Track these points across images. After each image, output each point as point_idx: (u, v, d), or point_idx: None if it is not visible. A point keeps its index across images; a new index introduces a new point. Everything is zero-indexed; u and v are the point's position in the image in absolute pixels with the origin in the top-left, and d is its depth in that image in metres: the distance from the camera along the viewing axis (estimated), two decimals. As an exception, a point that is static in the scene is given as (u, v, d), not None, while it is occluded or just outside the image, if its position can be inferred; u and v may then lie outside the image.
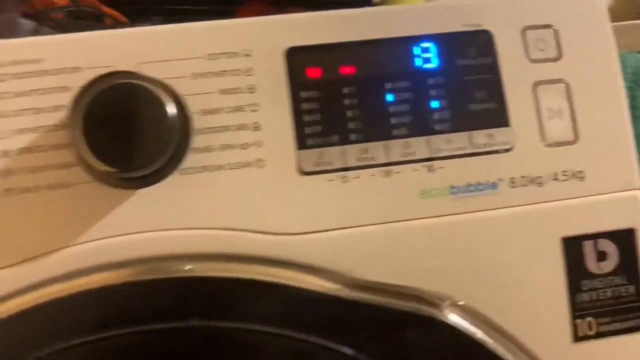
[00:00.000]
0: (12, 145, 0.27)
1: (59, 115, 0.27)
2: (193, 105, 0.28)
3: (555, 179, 0.29)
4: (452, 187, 0.29)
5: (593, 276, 0.29)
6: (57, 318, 0.25)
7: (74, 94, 0.27)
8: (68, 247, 0.27)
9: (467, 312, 0.28)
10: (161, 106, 0.26)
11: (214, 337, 0.25)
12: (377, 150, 0.28)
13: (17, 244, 0.27)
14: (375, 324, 0.27)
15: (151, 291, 0.26)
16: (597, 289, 0.29)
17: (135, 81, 0.26)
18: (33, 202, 0.27)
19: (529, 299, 0.29)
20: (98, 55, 0.28)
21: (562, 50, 0.31)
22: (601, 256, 0.29)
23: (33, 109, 0.27)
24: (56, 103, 0.27)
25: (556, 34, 0.31)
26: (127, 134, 0.26)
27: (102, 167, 0.26)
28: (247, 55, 0.28)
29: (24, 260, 0.27)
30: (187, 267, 0.26)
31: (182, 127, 0.27)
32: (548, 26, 0.31)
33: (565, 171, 0.30)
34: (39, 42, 0.28)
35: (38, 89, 0.28)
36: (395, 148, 0.29)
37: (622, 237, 0.30)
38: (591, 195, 0.30)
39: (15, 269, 0.26)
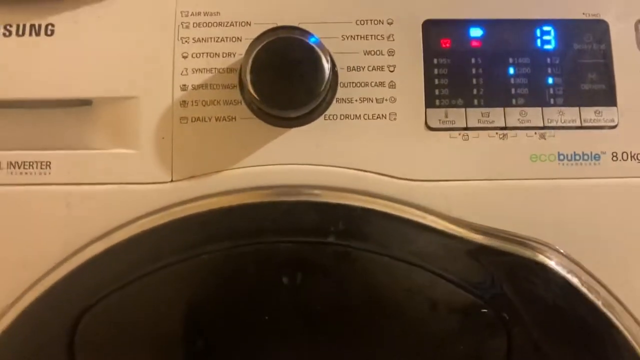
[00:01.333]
0: (190, 81, 0.33)
1: (231, 60, 0.34)
2: (340, 62, 0.34)
3: (656, 156, 0.34)
4: (560, 154, 0.33)
5: (682, 247, 0.33)
6: (218, 225, 0.32)
7: (246, 43, 0.32)
8: (228, 169, 0.33)
9: (567, 260, 0.32)
10: (318, 58, 0.32)
11: (345, 254, 0.31)
12: (496, 114, 0.33)
13: (186, 163, 0.33)
14: (483, 265, 0.32)
15: (294, 211, 0.32)
16: (685, 258, 0.33)
17: (298, 36, 0.32)
18: (203, 129, 0.33)
19: (626, 261, 0.33)
20: (266, 13, 0.34)
21: (673, 39, 0.35)
22: None
23: (210, 53, 0.34)
24: (229, 50, 0.34)
25: None
26: (286, 80, 0.32)
27: (264, 106, 0.32)
28: (390, 24, 0.34)
29: (190, 177, 0.33)
30: (324, 195, 0.32)
31: (331, 79, 0.33)
32: None
33: (666, 149, 0.34)
34: None
35: (215, 37, 0.34)
36: (513, 115, 0.33)
37: None
38: (687, 174, 0.34)
39: (185, 183, 0.33)
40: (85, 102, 0.33)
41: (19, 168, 0.33)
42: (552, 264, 0.31)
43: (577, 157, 0.33)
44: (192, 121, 0.33)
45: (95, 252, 0.31)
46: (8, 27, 0.34)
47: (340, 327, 0.31)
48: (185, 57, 0.33)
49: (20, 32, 0.34)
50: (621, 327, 0.31)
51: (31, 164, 0.33)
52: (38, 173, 0.33)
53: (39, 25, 0.34)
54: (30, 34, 0.34)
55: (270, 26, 0.33)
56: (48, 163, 0.33)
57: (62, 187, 0.33)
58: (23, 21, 0.34)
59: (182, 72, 0.33)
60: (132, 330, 0.31)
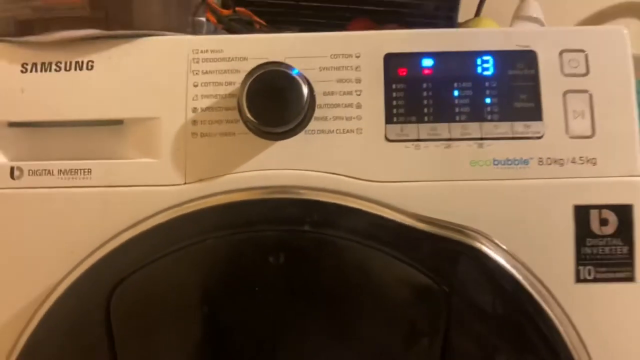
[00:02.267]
0: (199, 104, 0.43)
1: (231, 88, 0.43)
2: (317, 88, 0.43)
3: (574, 162, 0.42)
4: (495, 160, 0.42)
5: (596, 236, 0.42)
6: (220, 217, 0.41)
7: (243, 75, 0.42)
8: (229, 174, 0.43)
9: (499, 248, 0.41)
10: (299, 86, 0.41)
11: (318, 239, 0.40)
12: (443, 129, 0.43)
13: (196, 169, 0.43)
14: (429, 248, 0.41)
15: (279, 206, 0.41)
16: (598, 245, 0.42)
17: (283, 69, 0.42)
18: (209, 143, 0.43)
19: (546, 246, 0.41)
20: (259, 50, 0.43)
21: (590, 68, 0.43)
22: (604, 222, 0.42)
23: (215, 82, 0.44)
24: (230, 80, 0.43)
25: (586, 56, 0.43)
26: (274, 103, 0.41)
27: (257, 124, 0.42)
28: (357, 57, 0.43)
29: (200, 180, 0.43)
30: (304, 193, 0.41)
31: (310, 102, 0.42)
32: (581, 50, 0.44)
33: (582, 157, 0.42)
34: (219, 39, 0.44)
35: (219, 70, 0.44)
36: (456, 129, 0.43)
37: (621, 210, 0.42)
38: (600, 177, 0.42)
39: (195, 185, 0.43)
40: (118, 122, 0.44)
41: (67, 174, 0.43)
42: (484, 248, 0.40)
43: (509, 162, 0.42)
44: (201, 136, 0.43)
45: (125, 239, 0.41)
46: (58, 64, 0.44)
47: (315, 297, 0.40)
48: (195, 86, 0.43)
49: (68, 68, 0.44)
50: (537, 298, 0.40)
51: (76, 171, 0.43)
52: (81, 178, 0.43)
53: (82, 62, 0.44)
54: (75, 69, 0.44)
55: (262, 61, 0.42)
56: (89, 170, 0.43)
57: (100, 189, 0.43)
58: (69, 59, 0.44)
59: (194, 97, 0.43)
60: (153, 299, 0.41)
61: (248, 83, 0.40)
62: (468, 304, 0.39)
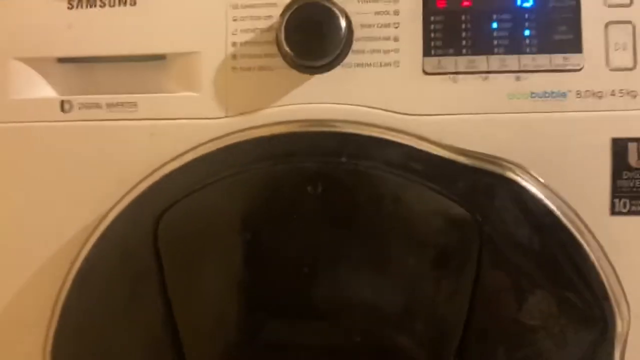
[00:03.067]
0: (239, 39, 0.45)
1: (269, 22, 0.44)
2: (355, 21, 0.44)
3: (613, 95, 0.42)
4: (533, 92, 0.43)
5: (632, 169, 0.42)
6: (261, 148, 0.43)
7: (281, 8, 0.43)
8: (268, 108, 0.44)
9: (535, 179, 0.42)
10: (337, 19, 0.42)
11: (355, 170, 0.42)
12: (480, 61, 0.43)
13: (237, 103, 0.45)
14: (465, 179, 0.42)
15: (316, 138, 0.43)
16: (634, 178, 0.43)
17: (321, 1, 0.43)
18: (249, 77, 0.45)
19: (583, 179, 0.42)
20: None
21: (634, -1, 0.43)
22: None
23: (253, 16, 0.45)
24: (268, 14, 0.44)
25: None
26: (312, 37, 0.43)
27: (295, 58, 0.43)
28: None
29: (240, 113, 0.45)
30: (341, 126, 0.43)
31: (348, 35, 0.43)
32: None
33: (622, 89, 0.42)
34: None
35: (257, 4, 0.45)
36: (494, 61, 0.43)
37: (660, 143, 0.42)
38: (639, 110, 0.43)
39: (236, 118, 0.45)
40: (161, 57, 0.46)
41: (114, 107, 0.46)
42: (520, 179, 0.42)
43: (547, 95, 0.43)
44: (241, 70, 0.44)
45: (170, 169, 0.44)
46: (102, 0, 0.46)
47: (351, 226, 0.42)
48: (235, 20, 0.45)
49: (112, 4, 0.46)
50: (573, 230, 0.41)
51: (123, 104, 0.45)
52: (128, 111, 0.45)
53: (125, -2, 0.46)
54: (119, 5, 0.46)
55: (301, -6, 0.43)
56: (135, 103, 0.45)
57: (146, 122, 0.45)
58: (113, -5, 0.46)
59: (233, 32, 0.45)
60: (198, 226, 0.44)
61: (286, 16, 0.41)
62: (502, 235, 0.40)
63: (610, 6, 0.42)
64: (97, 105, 0.45)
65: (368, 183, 0.41)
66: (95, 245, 0.45)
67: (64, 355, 0.45)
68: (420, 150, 0.41)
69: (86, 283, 0.45)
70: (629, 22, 0.42)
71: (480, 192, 0.41)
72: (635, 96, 0.41)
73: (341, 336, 0.42)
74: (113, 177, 0.44)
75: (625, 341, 0.41)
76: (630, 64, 0.41)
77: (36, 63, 0.46)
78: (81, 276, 0.45)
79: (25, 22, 0.45)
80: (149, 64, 0.45)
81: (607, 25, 0.42)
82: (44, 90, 0.46)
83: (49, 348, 0.45)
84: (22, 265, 0.45)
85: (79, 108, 0.45)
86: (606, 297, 0.40)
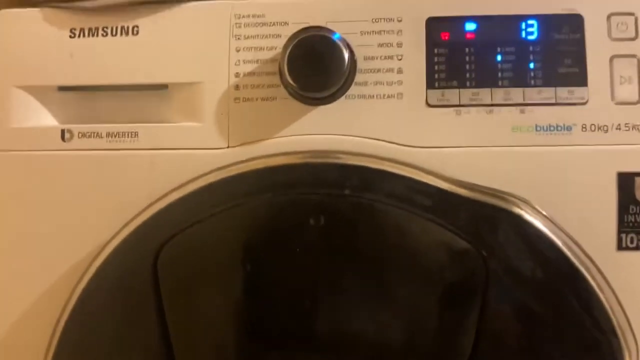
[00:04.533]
0: (242, 69, 0.46)
1: (272, 53, 0.45)
2: (358, 52, 0.45)
3: (618, 129, 0.43)
4: (537, 126, 0.44)
5: (639, 204, 0.43)
6: (263, 179, 0.44)
7: (284, 39, 0.44)
8: (270, 138, 0.45)
9: (539, 213, 0.43)
10: (340, 51, 0.43)
11: (358, 203, 0.43)
12: (484, 94, 0.44)
13: (239, 133, 0.45)
14: (469, 213, 0.43)
15: (319, 170, 0.44)
16: (641, 213, 0.43)
17: (325, 33, 0.44)
18: (251, 107, 0.45)
19: (588, 213, 0.43)
20: (300, 15, 0.45)
21: (639, 32, 0.44)
22: None
23: (257, 47, 0.46)
24: (271, 45, 0.45)
25: (636, 19, 0.44)
26: (315, 68, 0.43)
27: (298, 89, 0.44)
28: (400, 21, 0.45)
29: (242, 144, 0.46)
30: (344, 158, 0.44)
31: (351, 67, 0.44)
32: (631, 14, 0.44)
33: (627, 123, 0.43)
34: (261, 3, 0.46)
35: (261, 35, 0.46)
36: (498, 94, 0.44)
37: (667, 178, 0.43)
38: (646, 144, 0.43)
39: (238, 148, 0.45)
40: (163, 87, 0.46)
41: (115, 137, 0.46)
42: (524, 213, 0.42)
43: (552, 128, 0.43)
44: (243, 101, 0.45)
45: (172, 199, 0.45)
46: (105, 29, 0.47)
47: (354, 259, 0.43)
48: (238, 51, 0.46)
49: (114, 33, 0.47)
50: (578, 264, 0.41)
51: (124, 133, 0.46)
52: (129, 141, 0.46)
53: (128, 27, 0.47)
54: (121, 34, 0.47)
55: (303, 25, 0.44)
56: (136, 133, 0.46)
57: (147, 152, 0.46)
58: (116, 24, 0.47)
59: (236, 62, 0.45)
60: (199, 257, 0.44)
61: (289, 48, 0.42)
62: (506, 269, 0.41)
63: (615, 40, 0.43)
64: (98, 135, 0.45)
65: (371, 216, 0.42)
66: (95, 275, 0.45)
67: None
68: (424, 183, 0.42)
69: (85, 313, 0.45)
70: (634, 55, 0.42)
71: (484, 226, 0.41)
72: (640, 130, 0.42)
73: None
74: (113, 207, 0.45)
75: (634, 378, 0.41)
76: (635, 98, 0.42)
77: (37, 91, 0.46)
78: (80, 306, 0.45)
79: (27, 50, 0.46)
80: (151, 94, 0.46)
81: (612, 58, 0.43)
82: (45, 119, 0.47)
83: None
84: (21, 293, 0.46)
85: (80, 137, 0.46)
86: (614, 333, 0.40)
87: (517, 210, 0.41)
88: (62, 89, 0.47)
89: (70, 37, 0.46)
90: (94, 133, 0.45)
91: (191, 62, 0.45)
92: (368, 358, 0.42)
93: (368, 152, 0.43)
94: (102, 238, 0.45)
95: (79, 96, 0.47)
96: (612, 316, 0.41)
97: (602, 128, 0.42)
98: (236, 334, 0.44)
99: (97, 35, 0.46)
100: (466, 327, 0.41)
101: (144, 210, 0.44)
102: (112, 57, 0.46)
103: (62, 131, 0.46)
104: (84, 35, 0.46)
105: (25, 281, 0.46)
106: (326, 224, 0.41)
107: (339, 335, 0.42)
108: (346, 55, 0.42)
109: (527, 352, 0.41)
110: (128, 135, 0.45)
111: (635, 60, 0.42)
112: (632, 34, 0.43)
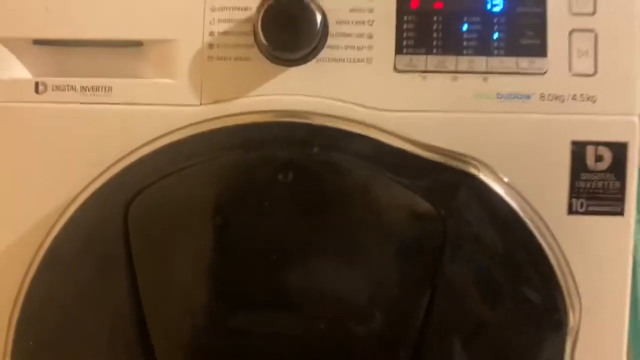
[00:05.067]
0: (216, 29, 0.47)
1: (247, 14, 0.46)
2: (332, 16, 0.46)
3: (574, 99, 0.46)
4: (499, 93, 0.46)
5: (590, 171, 0.46)
6: (234, 136, 0.46)
7: (259, 0, 0.46)
8: (243, 97, 0.47)
9: (497, 177, 0.45)
10: (313, 14, 0.45)
11: (325, 161, 0.45)
12: (450, 61, 0.46)
13: (212, 91, 0.47)
14: (430, 174, 0.45)
15: (289, 128, 0.45)
16: (591, 180, 0.46)
17: None
18: (225, 66, 0.47)
19: (543, 178, 0.45)
20: None
21: (597, 8, 0.46)
22: (599, 158, 0.46)
23: (232, 7, 0.47)
24: (246, 5, 0.46)
25: None
26: (288, 30, 0.45)
27: (271, 50, 0.45)
28: None
29: (215, 102, 0.47)
30: (314, 118, 0.46)
31: (323, 30, 0.46)
32: None
33: (582, 94, 0.46)
34: None
35: None
36: (463, 62, 0.46)
37: (616, 147, 0.45)
38: (599, 114, 0.46)
39: (210, 106, 0.47)
40: (139, 43, 0.48)
41: (89, 91, 0.47)
42: (482, 176, 0.45)
43: (512, 96, 0.46)
44: (217, 59, 0.47)
45: (143, 153, 0.46)
46: (81, -16, 0.48)
47: (320, 213, 0.45)
48: (213, 10, 0.47)
49: (90, -12, 0.48)
50: (531, 226, 0.44)
51: (98, 87, 0.47)
52: (103, 95, 0.47)
53: (104, -17, 0.48)
54: (98, -10, 0.48)
55: (279, -12, 0.46)
56: (110, 87, 0.47)
57: (120, 106, 0.47)
58: (92, -21, 0.48)
59: (211, 21, 0.47)
60: (168, 210, 0.46)
61: (263, 9, 0.43)
62: (464, 229, 0.43)
63: (574, 14, 0.45)
64: (72, 88, 0.46)
65: (337, 173, 0.44)
66: (64, 228, 0.46)
67: (26, 340, 0.46)
68: (389, 145, 0.44)
69: (56, 261, 0.46)
70: (592, 30, 0.45)
71: (444, 187, 0.44)
72: (595, 101, 0.45)
73: (306, 324, 0.44)
74: (85, 160, 0.46)
75: (577, 335, 0.44)
76: (591, 70, 0.45)
77: (12, 43, 0.47)
78: (48, 258, 0.46)
79: (2, 3, 0.47)
80: (126, 50, 0.47)
81: (571, 32, 0.45)
82: (19, 71, 0.47)
83: (11, 334, 0.46)
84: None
85: (53, 90, 0.46)
86: (560, 291, 0.43)
87: (476, 173, 0.44)
88: (37, 42, 0.47)
89: (46, -10, 0.47)
90: (67, 86, 0.46)
91: (166, 20, 0.46)
92: (331, 312, 0.44)
93: (337, 114, 0.45)
94: (72, 191, 0.46)
95: (53, 50, 0.48)
96: (559, 276, 0.43)
97: (559, 98, 0.45)
98: (204, 290, 0.46)
99: (73, -10, 0.47)
100: (423, 283, 0.43)
101: (115, 163, 0.46)
102: (87, 13, 0.47)
103: (36, 83, 0.47)
104: (59, -10, 0.47)
105: (-3, 228, 0.46)
106: (294, 180, 0.43)
107: (304, 290, 0.44)
108: (318, 18, 0.43)
109: (479, 309, 0.43)
110: (102, 89, 0.46)
111: (592, 35, 0.45)
112: (591, 9, 0.45)
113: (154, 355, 0.45)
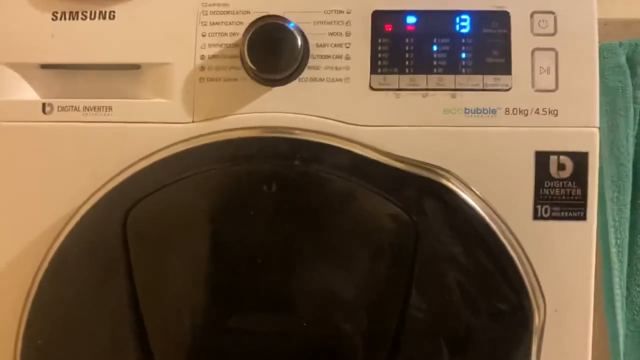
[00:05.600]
0: (207, 52, 0.52)
1: (235, 38, 0.51)
2: (312, 40, 0.51)
3: (537, 113, 0.50)
4: (466, 109, 0.50)
5: (553, 179, 0.50)
6: (223, 151, 0.50)
7: (245, 26, 0.51)
8: (231, 115, 0.51)
9: (465, 186, 0.49)
10: (295, 38, 0.50)
11: (306, 173, 0.49)
12: (421, 80, 0.51)
13: (203, 110, 0.52)
14: (403, 184, 0.50)
15: (273, 143, 0.50)
16: (554, 187, 0.50)
17: (281, 22, 0.50)
18: (214, 87, 0.51)
19: (509, 187, 0.50)
20: (261, 5, 0.51)
21: (558, 29, 0.51)
22: (561, 167, 0.50)
23: (220, 33, 0.52)
24: (234, 31, 0.51)
25: (555, 17, 0.51)
26: (272, 53, 0.50)
27: (257, 71, 0.50)
28: (348, 13, 0.51)
29: (206, 119, 0.52)
30: (296, 133, 0.50)
31: (304, 52, 0.50)
32: (551, 12, 0.51)
33: (545, 108, 0.50)
34: None
35: (224, 22, 0.52)
36: (433, 80, 0.51)
37: (577, 156, 0.50)
38: (560, 127, 0.50)
39: (202, 123, 0.52)
40: (136, 67, 0.53)
41: (91, 111, 0.52)
42: (450, 185, 0.49)
43: (479, 111, 0.50)
44: (208, 81, 0.51)
45: (140, 167, 0.51)
46: (84, 13, 0.53)
47: (302, 221, 0.49)
48: (204, 36, 0.52)
49: (93, 17, 0.53)
50: (499, 234, 0.48)
51: (99, 108, 0.52)
52: (104, 114, 0.52)
53: (105, 12, 0.53)
54: (99, 18, 0.53)
55: (263, 14, 0.51)
56: (110, 107, 0.52)
57: (119, 124, 0.52)
58: (94, 9, 0.53)
59: (202, 46, 0.52)
60: (163, 219, 0.50)
61: (249, 34, 0.48)
62: (434, 234, 0.47)
63: (536, 35, 0.49)
64: (76, 108, 0.51)
65: (317, 184, 0.48)
66: (69, 236, 0.51)
67: (35, 338, 0.51)
68: (365, 157, 0.48)
69: (58, 272, 0.50)
70: (552, 49, 0.49)
71: (416, 194, 0.48)
72: (556, 114, 0.49)
73: (290, 322, 0.48)
74: (87, 174, 0.51)
75: (542, 334, 0.48)
76: (552, 86, 0.49)
77: (21, 68, 0.52)
78: (54, 265, 0.51)
79: (13, 31, 0.52)
80: (125, 73, 0.52)
81: (533, 51, 0.49)
82: (28, 93, 0.52)
83: (22, 332, 0.51)
84: (1, 252, 0.51)
85: (59, 110, 0.52)
86: (525, 293, 0.47)
87: (445, 182, 0.48)
88: (44, 66, 0.52)
89: (53, 19, 0.52)
90: (72, 107, 0.51)
91: (162, 45, 0.51)
92: (313, 311, 0.48)
93: (317, 129, 0.49)
94: (76, 202, 0.51)
95: (59, 73, 0.53)
96: (524, 278, 0.47)
97: (523, 112, 0.49)
98: (196, 290, 0.50)
99: (77, 18, 0.52)
100: (398, 283, 0.47)
101: (115, 176, 0.50)
102: (90, 39, 0.52)
103: (43, 105, 0.52)
104: (65, 18, 0.52)
105: (5, 240, 0.51)
106: (278, 190, 0.47)
107: (287, 290, 0.49)
108: (299, 42, 0.48)
109: (450, 308, 0.48)
110: (103, 109, 0.51)
111: (553, 53, 0.49)
112: (552, 30, 0.49)
113: (151, 353, 0.49)
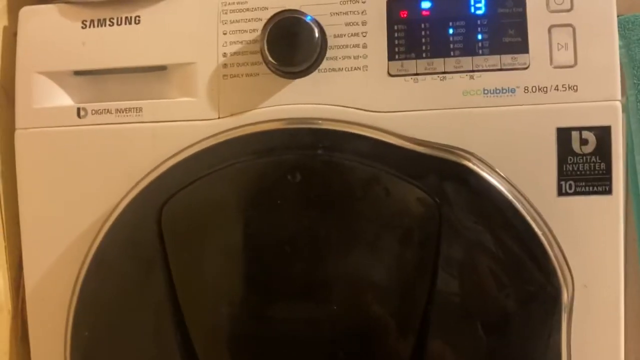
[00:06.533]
0: (229, 50, 0.54)
1: (254, 35, 0.53)
2: (329, 31, 0.53)
3: (557, 89, 0.51)
4: (485, 89, 0.51)
5: (576, 154, 0.51)
6: (248, 144, 0.53)
7: (264, 22, 0.53)
8: (255, 109, 0.54)
9: (487, 166, 0.51)
10: (312, 30, 0.52)
11: (329, 161, 0.51)
12: (438, 63, 0.52)
13: (227, 106, 0.54)
14: (425, 166, 0.51)
15: (296, 134, 0.52)
16: (578, 163, 0.51)
17: (298, 16, 0.52)
18: (237, 83, 0.54)
19: (531, 164, 0.51)
20: (277, 0, 0.54)
21: (574, 4, 0.51)
22: (584, 142, 0.51)
23: (241, 30, 0.54)
24: (253, 28, 0.54)
25: None
26: (291, 46, 0.52)
27: (277, 65, 0.52)
28: (363, 2, 0.53)
29: (231, 115, 0.54)
30: (317, 123, 0.52)
31: (322, 44, 0.52)
32: None
33: (564, 84, 0.51)
34: None
35: (244, 19, 0.54)
36: (450, 63, 0.52)
37: (600, 131, 0.50)
38: (581, 102, 0.51)
39: (227, 119, 0.54)
40: (163, 68, 0.55)
41: (123, 112, 0.55)
42: (472, 165, 0.50)
43: (498, 91, 0.51)
44: (231, 77, 0.54)
45: (171, 164, 0.54)
46: (112, 20, 0.56)
47: (326, 208, 0.51)
48: (225, 34, 0.54)
49: (119, 23, 0.56)
50: (524, 213, 0.49)
51: (130, 109, 0.55)
52: (134, 115, 0.55)
53: (131, 17, 0.56)
54: (126, 24, 0.56)
55: (280, 9, 0.53)
56: (140, 108, 0.55)
57: (149, 124, 0.55)
58: (120, 15, 0.56)
59: (223, 44, 0.54)
60: (195, 212, 0.53)
61: (268, 30, 0.50)
62: (457, 215, 0.49)
63: (552, 11, 0.50)
64: (108, 111, 0.55)
65: (341, 172, 0.50)
66: (107, 234, 0.54)
67: (82, 330, 0.55)
68: (386, 142, 0.50)
69: (100, 269, 0.54)
70: (569, 25, 0.50)
71: (438, 177, 0.49)
72: (576, 90, 0.49)
73: (321, 307, 0.50)
74: (121, 173, 0.54)
75: (571, 310, 0.49)
76: (571, 62, 0.50)
77: (55, 76, 0.56)
78: (95, 262, 0.54)
79: (46, 41, 0.56)
80: (152, 74, 0.55)
81: (550, 28, 0.50)
82: (63, 100, 0.56)
83: (70, 323, 0.54)
84: (47, 251, 0.55)
85: (93, 114, 0.55)
86: (554, 272, 0.48)
87: (467, 163, 0.49)
88: (77, 73, 0.56)
89: (82, 27, 0.55)
90: (104, 110, 0.55)
91: (186, 46, 0.54)
92: (346, 297, 0.50)
93: (338, 118, 0.51)
94: (113, 200, 0.54)
95: (91, 79, 0.56)
96: (551, 255, 0.48)
97: (542, 89, 0.50)
98: (229, 284, 0.52)
99: (105, 25, 0.55)
100: (425, 265, 0.49)
101: (147, 174, 0.53)
102: (118, 44, 0.55)
103: (78, 109, 0.55)
104: (94, 26, 0.55)
105: (49, 241, 0.55)
106: (302, 180, 0.50)
107: (316, 277, 0.51)
108: (317, 34, 0.50)
109: (477, 288, 0.49)
110: (133, 110, 0.54)
111: (571, 29, 0.50)
112: (568, 6, 0.50)
113: (191, 343, 0.52)
